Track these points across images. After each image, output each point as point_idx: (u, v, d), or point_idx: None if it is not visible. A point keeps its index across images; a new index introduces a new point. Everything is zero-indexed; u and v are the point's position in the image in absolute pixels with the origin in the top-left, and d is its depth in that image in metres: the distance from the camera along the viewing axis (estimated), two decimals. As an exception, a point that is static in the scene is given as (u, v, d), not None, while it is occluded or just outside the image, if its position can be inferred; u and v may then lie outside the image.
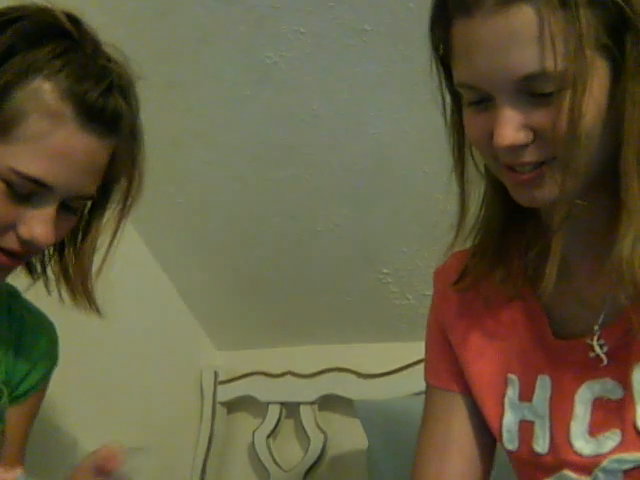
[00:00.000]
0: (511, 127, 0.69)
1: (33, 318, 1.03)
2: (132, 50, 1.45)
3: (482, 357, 0.87)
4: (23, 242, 0.79)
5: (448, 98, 0.80)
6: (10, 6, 0.81)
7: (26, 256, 0.85)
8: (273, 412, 1.88)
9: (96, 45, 0.82)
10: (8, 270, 0.85)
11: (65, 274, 0.91)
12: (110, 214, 0.89)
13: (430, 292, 1.59)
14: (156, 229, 1.83)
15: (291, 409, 1.87)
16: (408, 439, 1.46)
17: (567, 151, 0.68)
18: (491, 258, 0.82)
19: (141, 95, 0.88)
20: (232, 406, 2.00)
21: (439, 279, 0.96)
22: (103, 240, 0.91)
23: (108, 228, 0.90)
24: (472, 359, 0.88)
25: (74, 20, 0.81)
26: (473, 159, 0.80)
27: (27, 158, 0.76)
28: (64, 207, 0.82)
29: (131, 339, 1.78)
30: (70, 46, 0.79)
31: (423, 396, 1.56)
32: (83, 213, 0.89)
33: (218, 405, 1.96)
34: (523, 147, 0.70)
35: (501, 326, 0.85)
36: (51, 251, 0.93)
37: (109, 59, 0.83)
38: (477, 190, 0.82)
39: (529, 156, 0.70)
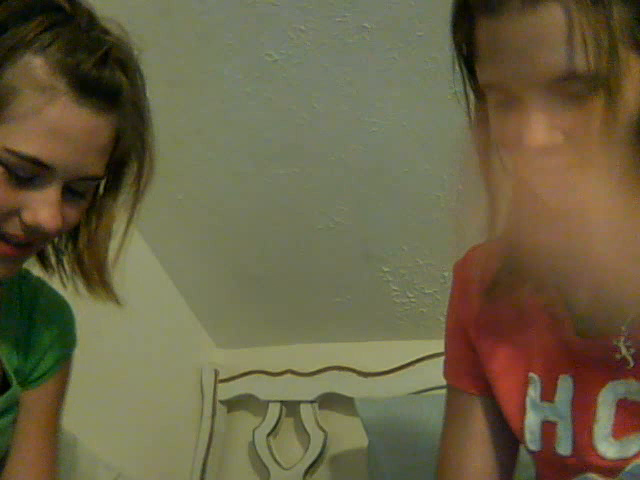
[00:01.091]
0: (541, 128, 0.66)
1: (46, 300, 0.98)
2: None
3: (504, 358, 0.84)
4: (28, 228, 0.76)
5: (472, 97, 0.76)
6: None
7: (33, 246, 0.81)
8: (273, 410, 1.87)
9: (91, 19, 0.78)
10: (16, 262, 0.82)
11: (80, 264, 0.87)
12: (123, 200, 0.85)
13: (431, 290, 1.60)
14: (156, 226, 1.83)
15: (291, 407, 1.87)
16: (408, 437, 1.47)
17: (599, 154, 0.65)
18: (521, 270, 0.77)
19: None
20: (232, 404, 2.00)
21: (458, 275, 0.92)
22: (117, 227, 0.87)
23: (122, 215, 0.86)
24: (498, 366, 0.85)
25: None
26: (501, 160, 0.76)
27: (22, 136, 0.73)
28: (70, 192, 0.79)
29: (131, 337, 1.77)
30: (61, 19, 0.75)
31: (423, 394, 1.58)
32: (95, 200, 0.85)
33: (218, 403, 1.96)
34: (552, 150, 0.67)
35: (524, 324, 0.83)
36: (65, 243, 0.88)
37: (106, 32, 0.79)
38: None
39: (557, 159, 0.67)
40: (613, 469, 0.74)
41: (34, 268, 0.92)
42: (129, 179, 0.84)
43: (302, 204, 1.65)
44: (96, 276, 0.87)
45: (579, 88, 0.64)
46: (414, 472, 1.42)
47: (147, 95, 0.82)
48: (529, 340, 0.83)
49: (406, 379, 1.63)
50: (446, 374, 0.94)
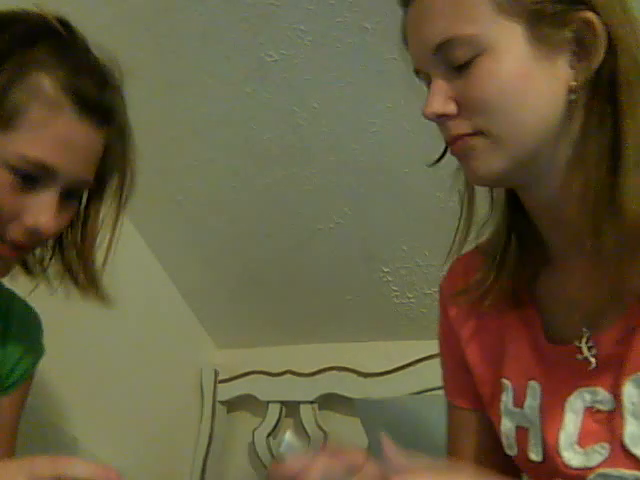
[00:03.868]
0: (437, 97, 0.71)
1: (19, 307, 1.05)
2: (132, 48, 1.45)
3: (486, 366, 0.85)
4: (28, 231, 0.83)
5: None
6: (1, 11, 0.86)
7: (28, 248, 0.88)
8: (273, 411, 1.88)
9: (86, 45, 0.88)
10: (9, 263, 0.88)
11: (69, 271, 0.95)
12: (107, 211, 0.94)
13: (430, 290, 1.60)
14: (156, 227, 1.83)
15: (291, 408, 1.87)
16: (408, 438, 1.46)
17: (487, 121, 0.69)
18: (497, 270, 0.80)
19: (142, 93, 0.89)
20: (232, 405, 2.00)
21: (445, 291, 0.93)
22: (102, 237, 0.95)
23: (106, 225, 0.94)
24: (476, 360, 0.87)
25: (64, 22, 0.87)
26: None
27: (32, 143, 0.80)
28: (64, 197, 0.86)
29: (131, 338, 1.77)
30: (63, 44, 0.85)
31: (423, 395, 1.58)
32: (79, 209, 0.93)
33: (218, 404, 1.96)
34: (449, 119, 0.72)
35: (503, 333, 0.84)
36: (49, 251, 0.96)
37: (99, 58, 0.89)
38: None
39: (455, 129, 0.72)
40: (577, 478, 0.74)
41: (19, 277, 0.98)
42: (111, 191, 0.94)
43: (302, 204, 1.65)
44: (86, 280, 0.94)
45: (461, 54, 0.69)
46: (414, 472, 1.41)
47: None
48: (506, 348, 0.83)
49: (406, 379, 1.63)
50: (446, 391, 0.94)
